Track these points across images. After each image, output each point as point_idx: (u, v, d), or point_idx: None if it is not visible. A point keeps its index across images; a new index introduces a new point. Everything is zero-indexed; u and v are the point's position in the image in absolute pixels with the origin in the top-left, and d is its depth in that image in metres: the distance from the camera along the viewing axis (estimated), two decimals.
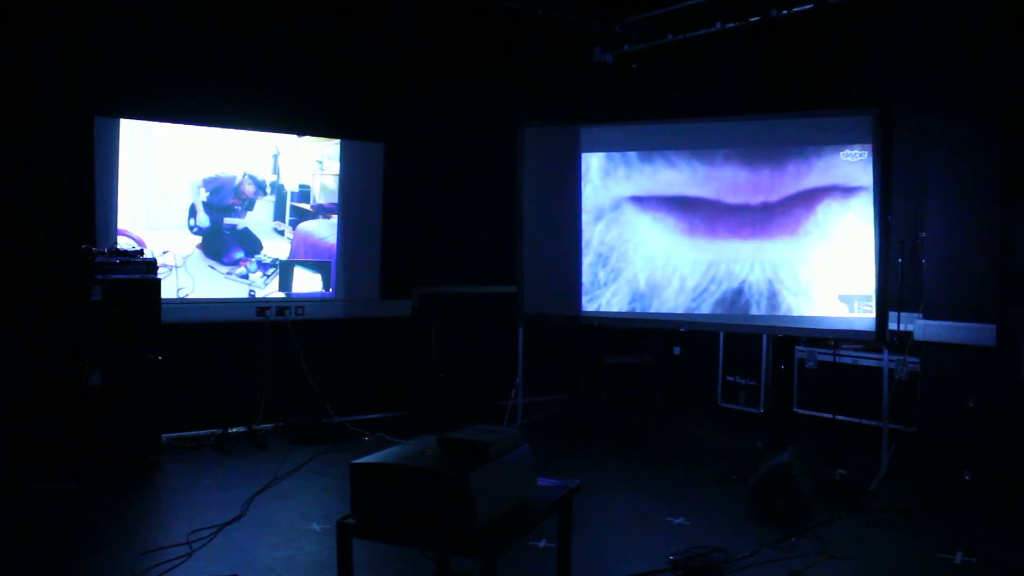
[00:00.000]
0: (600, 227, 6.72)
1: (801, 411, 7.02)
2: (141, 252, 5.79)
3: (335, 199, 7.16)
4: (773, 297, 6.06)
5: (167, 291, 6.13)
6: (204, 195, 6.56)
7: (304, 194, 7.03)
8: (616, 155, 6.65)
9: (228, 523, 4.55)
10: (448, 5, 7.40)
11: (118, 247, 5.77)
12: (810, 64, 7.18)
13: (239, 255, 6.73)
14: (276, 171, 6.88)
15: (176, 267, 6.38)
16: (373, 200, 7.34)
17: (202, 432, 6.40)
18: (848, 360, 6.68)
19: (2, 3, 5.61)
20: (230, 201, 6.67)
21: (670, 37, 7.69)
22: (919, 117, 6.22)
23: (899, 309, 6.15)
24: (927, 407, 5.73)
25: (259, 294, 6.80)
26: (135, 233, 6.25)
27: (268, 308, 6.79)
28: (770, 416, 7.25)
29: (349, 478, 2.85)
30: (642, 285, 6.56)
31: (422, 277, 7.56)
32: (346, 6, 7.04)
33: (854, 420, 6.54)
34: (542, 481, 3.24)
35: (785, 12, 6.81)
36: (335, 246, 7.18)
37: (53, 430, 5.55)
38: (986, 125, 5.49)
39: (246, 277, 6.76)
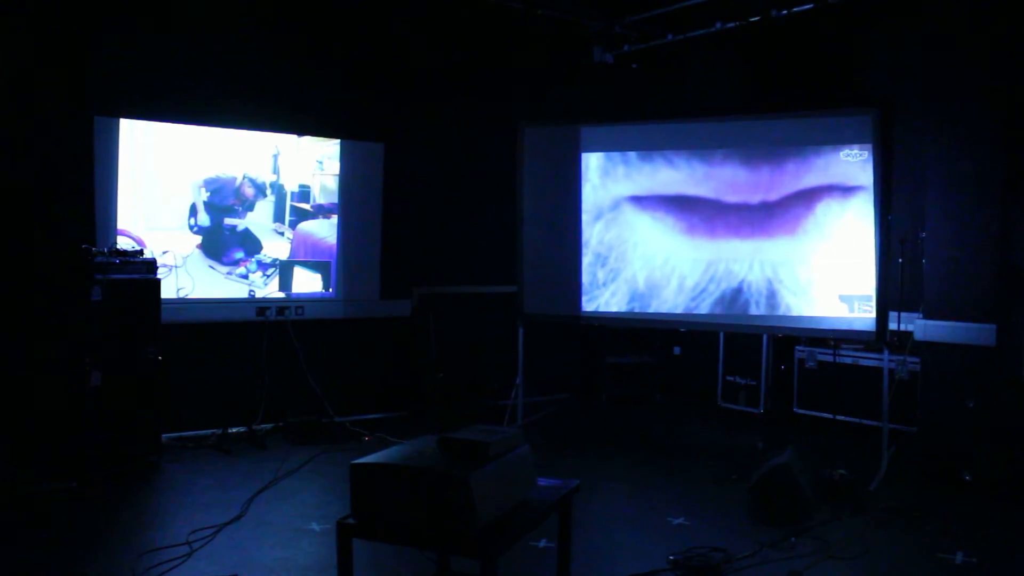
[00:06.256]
0: (599, 227, 6.72)
1: (801, 411, 7.02)
2: (141, 252, 5.79)
3: (335, 199, 7.16)
4: (772, 296, 6.06)
5: (167, 291, 6.13)
6: (205, 195, 6.56)
7: (304, 194, 7.03)
8: (615, 154, 6.64)
9: (228, 523, 4.55)
10: (448, 5, 7.40)
11: (118, 247, 5.77)
12: (810, 64, 7.18)
13: (239, 255, 6.73)
14: (276, 171, 6.88)
15: (176, 267, 6.38)
16: (373, 200, 7.34)
17: (202, 432, 6.40)
18: (848, 360, 6.68)
19: (3, 3, 5.61)
20: (231, 201, 6.67)
21: (670, 37, 7.69)
22: (919, 117, 6.22)
23: (899, 309, 6.15)
24: (927, 407, 5.73)
25: (259, 294, 6.80)
26: (135, 233, 6.25)
27: (268, 308, 6.78)
28: (770, 416, 7.25)
29: (349, 478, 2.85)
30: (641, 285, 6.56)
31: (422, 277, 7.56)
32: (346, 6, 7.04)
33: (854, 420, 6.54)
34: (542, 481, 3.24)
35: (785, 12, 6.81)
36: (335, 246, 7.18)
37: (53, 430, 5.54)
38: (986, 125, 5.48)
39: (246, 277, 6.76)
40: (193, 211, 6.52)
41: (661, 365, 8.24)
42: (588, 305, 6.78)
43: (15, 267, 5.67)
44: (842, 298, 5.82)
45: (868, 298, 5.67)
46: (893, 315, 5.92)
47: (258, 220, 6.80)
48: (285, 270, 6.95)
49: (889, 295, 5.72)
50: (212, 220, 6.60)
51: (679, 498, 5.15)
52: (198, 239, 6.54)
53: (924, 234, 5.88)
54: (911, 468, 5.66)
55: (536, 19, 7.55)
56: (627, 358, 8.13)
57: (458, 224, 7.69)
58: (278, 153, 6.88)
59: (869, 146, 5.64)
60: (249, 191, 6.75)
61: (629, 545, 4.37)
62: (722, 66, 7.77)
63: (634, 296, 6.60)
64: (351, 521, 2.87)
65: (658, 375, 8.21)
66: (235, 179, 6.69)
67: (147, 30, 6.16)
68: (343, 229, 7.20)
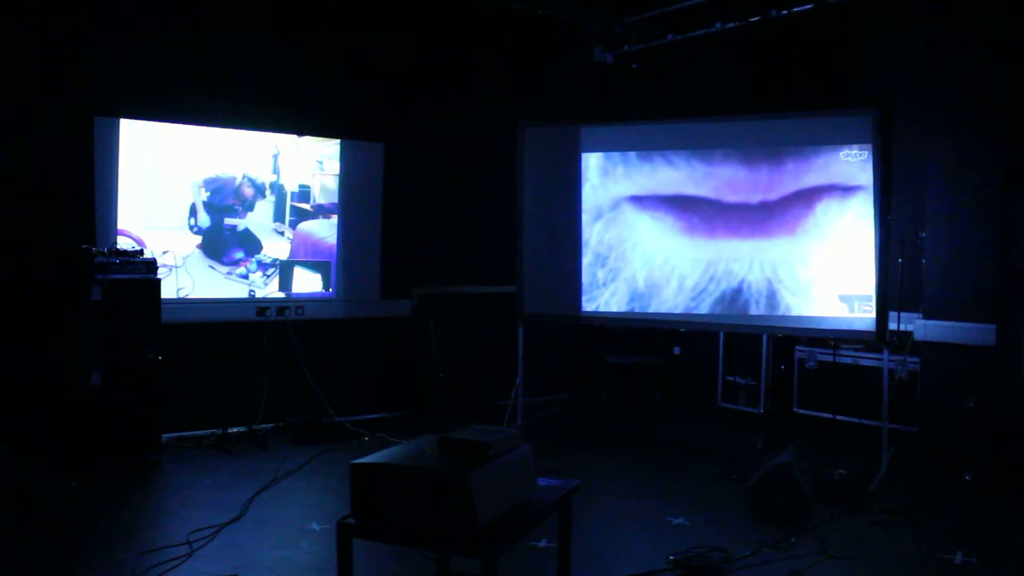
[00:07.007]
0: (598, 227, 6.72)
1: (801, 411, 7.02)
2: (141, 252, 5.79)
3: (335, 199, 7.16)
4: (772, 296, 6.06)
5: (167, 291, 6.13)
6: (204, 195, 6.56)
7: (304, 194, 7.03)
8: (615, 154, 6.64)
9: (228, 523, 4.55)
10: (448, 5, 7.40)
11: (118, 247, 5.77)
12: (810, 64, 7.18)
13: (239, 255, 6.73)
14: (276, 171, 6.88)
15: (176, 267, 6.38)
16: (373, 200, 7.34)
17: (202, 432, 6.39)
18: (848, 360, 6.68)
19: (3, 3, 5.61)
20: (230, 201, 6.67)
21: (670, 37, 7.69)
22: (919, 117, 6.22)
23: (899, 309, 6.15)
24: (927, 407, 5.73)
25: (259, 294, 6.80)
26: (135, 233, 6.25)
27: (268, 308, 6.78)
28: (770, 416, 7.25)
29: (349, 478, 2.85)
30: (641, 285, 6.56)
31: (422, 277, 7.56)
32: (346, 6, 7.04)
33: (854, 420, 6.54)
34: (542, 481, 3.24)
35: (785, 12, 6.81)
36: (335, 246, 7.18)
37: (53, 430, 5.55)
38: (986, 125, 5.49)
39: (246, 277, 6.76)
40: (193, 211, 6.52)
41: (661, 365, 8.24)
42: (588, 305, 6.78)
43: (15, 267, 5.68)
44: (842, 298, 5.81)
45: (868, 298, 5.66)
46: (893, 315, 5.92)
47: (258, 220, 6.80)
48: (285, 270, 6.95)
49: (889, 295, 5.72)
50: (212, 220, 6.60)
51: (679, 498, 5.15)
52: (198, 239, 6.54)
53: (924, 234, 5.89)
54: (911, 468, 5.66)
55: (536, 19, 7.55)
56: (627, 358, 8.13)
57: (458, 224, 7.69)
58: (278, 153, 6.88)
59: (869, 146, 5.63)
60: (249, 191, 6.75)
61: (629, 545, 4.37)
62: (722, 66, 7.77)
63: (634, 296, 6.60)
64: (351, 521, 2.86)
65: (658, 375, 8.21)
66: (235, 179, 6.69)
67: (147, 30, 6.16)
68: (343, 229, 7.20)
